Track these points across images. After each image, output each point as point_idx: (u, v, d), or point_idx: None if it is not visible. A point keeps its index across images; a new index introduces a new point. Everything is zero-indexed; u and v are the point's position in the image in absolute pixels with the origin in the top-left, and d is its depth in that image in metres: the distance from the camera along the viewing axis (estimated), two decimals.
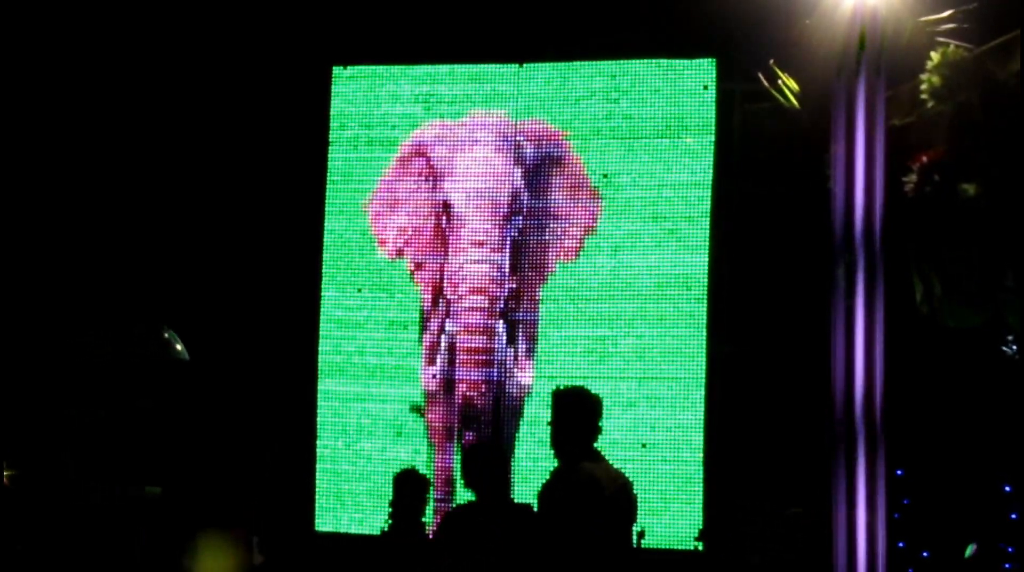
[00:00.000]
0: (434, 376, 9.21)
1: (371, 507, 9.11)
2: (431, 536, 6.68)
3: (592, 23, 9.18)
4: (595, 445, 5.63)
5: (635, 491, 5.85)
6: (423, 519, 6.89)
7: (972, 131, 7.21)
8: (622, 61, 9.15)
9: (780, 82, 8.21)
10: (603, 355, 8.96)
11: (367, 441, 9.28)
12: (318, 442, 9.33)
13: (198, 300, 9.72)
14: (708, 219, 8.90)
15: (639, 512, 5.95)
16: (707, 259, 8.87)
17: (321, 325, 9.41)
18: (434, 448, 9.16)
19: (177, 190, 9.82)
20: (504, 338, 9.12)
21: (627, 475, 5.82)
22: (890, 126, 7.32)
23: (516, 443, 9.02)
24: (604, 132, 9.15)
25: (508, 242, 9.15)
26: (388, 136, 9.48)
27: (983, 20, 7.22)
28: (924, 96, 7.35)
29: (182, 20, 9.62)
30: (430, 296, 9.27)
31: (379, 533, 6.98)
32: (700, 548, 8.61)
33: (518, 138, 9.24)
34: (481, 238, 9.13)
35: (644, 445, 8.76)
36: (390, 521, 6.75)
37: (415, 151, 9.40)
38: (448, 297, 9.20)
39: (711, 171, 8.93)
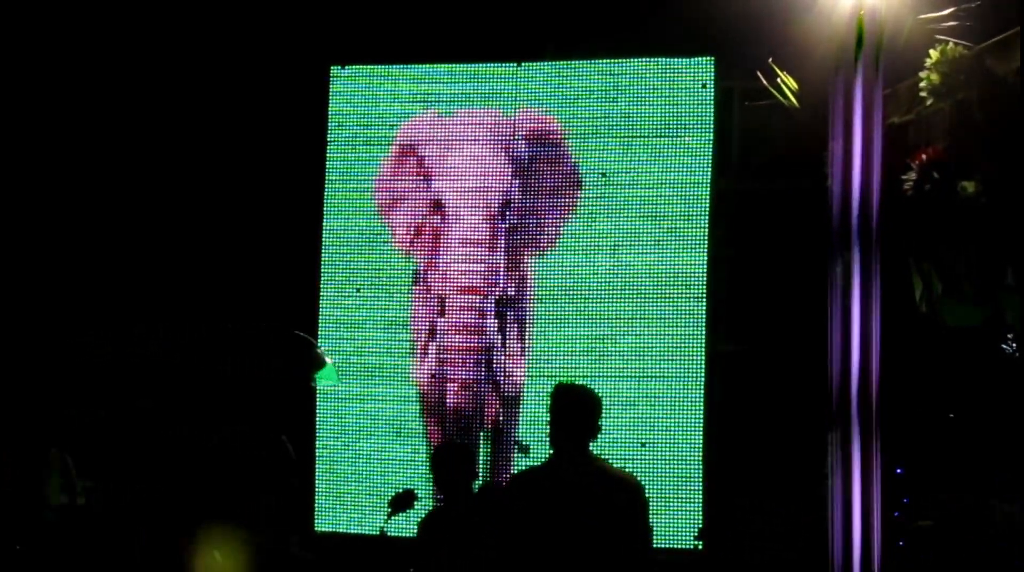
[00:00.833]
0: (431, 375, 9.21)
1: (370, 507, 9.10)
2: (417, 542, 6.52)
3: (591, 22, 9.17)
4: (593, 444, 5.60)
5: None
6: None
7: (971, 129, 7.19)
8: (621, 60, 9.15)
9: (779, 80, 8.20)
10: (602, 354, 8.95)
11: (366, 441, 9.28)
12: (317, 442, 9.33)
13: (198, 300, 9.71)
14: (707, 218, 8.90)
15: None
16: (706, 258, 8.86)
17: (320, 324, 9.40)
18: (432, 447, 9.16)
19: (177, 190, 9.82)
20: (498, 336, 9.11)
21: None
22: (889, 124, 7.30)
23: (518, 440, 9.02)
24: (603, 131, 9.14)
25: (501, 239, 9.14)
26: (386, 135, 9.48)
27: (982, 17, 7.20)
28: (923, 94, 7.33)
29: (182, 21, 9.62)
30: (426, 294, 9.26)
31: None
32: (700, 547, 8.60)
33: (511, 132, 9.23)
34: (473, 236, 9.12)
35: (644, 444, 8.76)
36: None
37: (407, 148, 9.40)
38: (442, 295, 9.19)
39: (710, 170, 8.93)
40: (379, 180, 9.44)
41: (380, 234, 9.42)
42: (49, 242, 9.96)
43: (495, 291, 9.13)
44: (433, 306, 9.23)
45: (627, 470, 5.32)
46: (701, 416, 8.74)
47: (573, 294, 9.07)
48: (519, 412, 9.08)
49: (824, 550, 6.77)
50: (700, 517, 8.64)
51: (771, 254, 8.73)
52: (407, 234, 9.34)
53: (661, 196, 8.97)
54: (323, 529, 9.26)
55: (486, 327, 9.12)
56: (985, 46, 7.14)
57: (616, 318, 8.96)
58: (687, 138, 8.96)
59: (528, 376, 9.07)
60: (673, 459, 8.74)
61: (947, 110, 7.29)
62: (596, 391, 5.13)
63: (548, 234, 9.10)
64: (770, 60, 8.25)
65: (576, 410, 5.12)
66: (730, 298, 8.91)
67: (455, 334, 9.14)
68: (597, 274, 9.04)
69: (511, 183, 9.18)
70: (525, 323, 9.13)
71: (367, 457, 9.26)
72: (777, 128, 8.51)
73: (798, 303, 8.16)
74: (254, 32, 9.55)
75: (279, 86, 9.53)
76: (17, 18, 9.73)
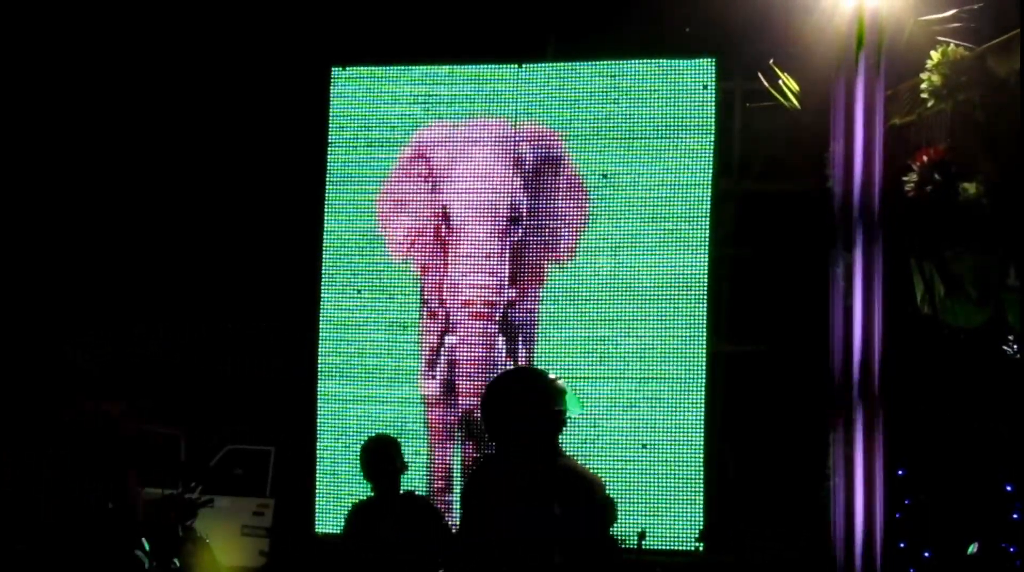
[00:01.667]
0: (434, 379, 9.20)
1: None
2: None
3: (592, 23, 9.18)
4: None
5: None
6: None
7: (972, 130, 7.18)
8: (622, 61, 9.14)
9: (780, 82, 8.20)
10: (603, 356, 8.94)
11: None
12: (318, 444, 9.31)
13: (198, 300, 9.72)
14: (708, 219, 8.89)
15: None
16: (707, 259, 8.86)
17: (321, 326, 9.39)
18: (433, 449, 9.15)
19: (178, 191, 9.83)
20: (503, 342, 9.10)
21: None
22: (890, 125, 7.30)
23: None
24: (604, 132, 9.14)
25: (507, 249, 9.14)
26: (387, 137, 9.47)
27: (983, 19, 7.21)
28: (924, 95, 7.32)
29: (183, 21, 9.62)
30: (431, 301, 9.25)
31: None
32: (701, 549, 8.57)
33: (517, 142, 9.22)
34: (480, 246, 9.12)
35: (645, 445, 8.74)
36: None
37: (417, 153, 9.40)
38: (448, 302, 9.19)
39: (711, 171, 8.92)
40: (385, 182, 9.41)
41: (380, 237, 9.41)
42: (50, 242, 9.97)
43: (502, 297, 9.12)
44: (435, 308, 9.22)
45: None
46: (702, 417, 8.73)
47: (574, 296, 9.07)
48: None
49: (826, 550, 6.77)
50: (701, 518, 8.62)
51: (773, 255, 8.72)
52: (406, 240, 9.32)
53: (662, 197, 8.96)
54: (323, 531, 9.24)
55: (490, 333, 9.11)
56: (986, 47, 7.13)
57: (617, 319, 8.95)
58: (688, 139, 8.95)
59: None
60: (674, 460, 8.72)
61: (948, 111, 7.28)
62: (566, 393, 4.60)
63: (566, 244, 9.08)
64: (771, 61, 8.25)
65: (533, 401, 4.61)
66: (731, 299, 8.91)
67: (460, 337, 9.12)
68: (598, 275, 9.03)
69: (519, 195, 9.17)
70: (531, 327, 9.12)
71: None
72: (778, 129, 8.51)
73: (800, 304, 8.15)
74: (256, 33, 9.56)
75: (280, 87, 9.53)
76: (18, 18, 9.73)
